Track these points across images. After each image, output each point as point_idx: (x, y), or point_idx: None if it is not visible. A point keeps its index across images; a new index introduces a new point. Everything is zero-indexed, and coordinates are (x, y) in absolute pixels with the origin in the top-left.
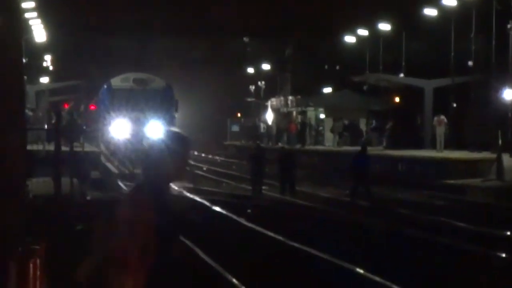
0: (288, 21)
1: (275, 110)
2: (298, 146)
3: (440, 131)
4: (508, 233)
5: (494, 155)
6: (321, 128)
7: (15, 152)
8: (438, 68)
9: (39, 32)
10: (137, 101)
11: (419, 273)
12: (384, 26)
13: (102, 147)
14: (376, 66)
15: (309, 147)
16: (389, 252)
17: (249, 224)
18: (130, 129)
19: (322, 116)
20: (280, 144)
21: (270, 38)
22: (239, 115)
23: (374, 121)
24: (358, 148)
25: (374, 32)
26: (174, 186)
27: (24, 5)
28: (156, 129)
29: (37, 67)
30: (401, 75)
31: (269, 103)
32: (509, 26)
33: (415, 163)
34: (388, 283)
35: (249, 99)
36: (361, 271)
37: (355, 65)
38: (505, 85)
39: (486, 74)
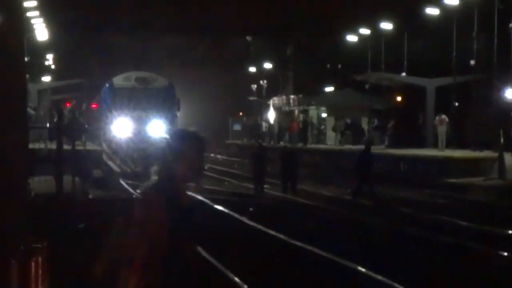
0: (289, 20)
1: (277, 109)
2: (300, 145)
3: (442, 130)
4: (510, 231)
5: (496, 154)
6: (323, 127)
7: (17, 150)
8: (440, 67)
9: (41, 31)
10: (139, 100)
11: (421, 271)
12: (386, 25)
13: (104, 146)
14: (378, 65)
15: (311, 146)
16: (391, 250)
17: (251, 223)
18: (132, 128)
19: (324, 115)
20: (282, 143)
21: (272, 37)
22: (241, 114)
23: (376, 120)
24: (360, 147)
25: (376, 31)
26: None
27: (26, 4)
28: (158, 128)
29: (39, 66)
30: (403, 74)
31: (271, 102)
32: (511, 25)
33: (417, 162)
34: (390, 282)
35: (251, 98)
36: (363, 269)
37: (357, 64)
38: (507, 84)
39: (488, 73)
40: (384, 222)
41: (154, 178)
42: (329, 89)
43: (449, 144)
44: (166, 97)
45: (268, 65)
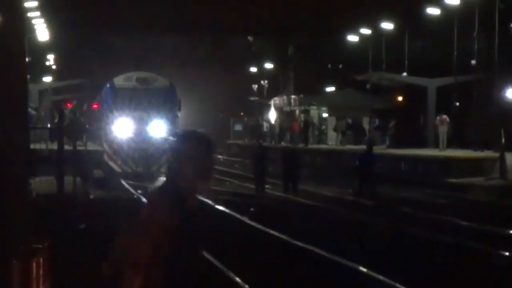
0: (290, 20)
1: (278, 109)
2: (301, 145)
3: (443, 130)
4: (511, 231)
5: (497, 154)
6: (324, 127)
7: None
8: (441, 67)
9: (42, 31)
10: (140, 100)
11: (422, 271)
12: (387, 25)
13: (105, 146)
14: (379, 65)
15: (312, 146)
16: (392, 250)
17: (252, 223)
18: (133, 128)
19: (325, 115)
20: (283, 143)
21: (273, 37)
22: (242, 114)
23: (377, 120)
24: (361, 147)
25: (377, 31)
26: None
27: (27, 4)
28: (159, 128)
29: (40, 66)
30: (404, 74)
31: (272, 102)
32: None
33: (418, 162)
34: (391, 282)
35: (252, 98)
36: (364, 269)
37: (358, 64)
38: (508, 83)
39: (489, 73)
40: (385, 222)
41: (162, 179)
42: (330, 89)
43: (450, 144)
44: (167, 98)
45: (269, 65)
